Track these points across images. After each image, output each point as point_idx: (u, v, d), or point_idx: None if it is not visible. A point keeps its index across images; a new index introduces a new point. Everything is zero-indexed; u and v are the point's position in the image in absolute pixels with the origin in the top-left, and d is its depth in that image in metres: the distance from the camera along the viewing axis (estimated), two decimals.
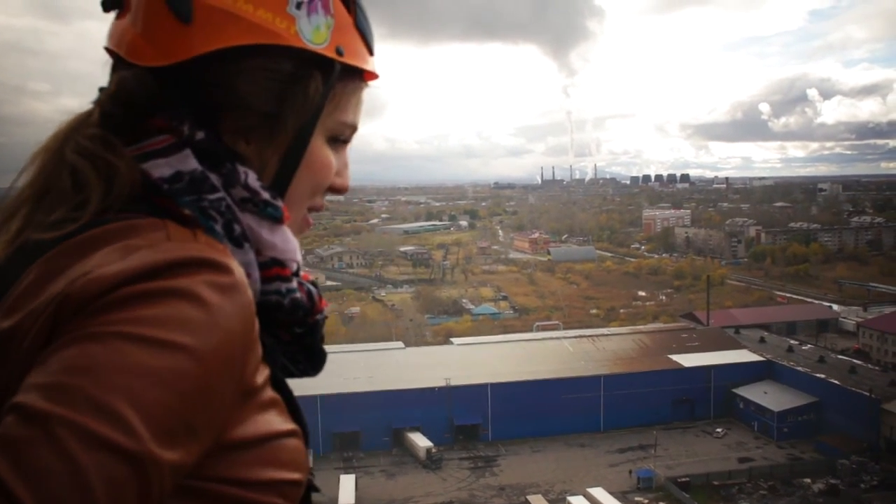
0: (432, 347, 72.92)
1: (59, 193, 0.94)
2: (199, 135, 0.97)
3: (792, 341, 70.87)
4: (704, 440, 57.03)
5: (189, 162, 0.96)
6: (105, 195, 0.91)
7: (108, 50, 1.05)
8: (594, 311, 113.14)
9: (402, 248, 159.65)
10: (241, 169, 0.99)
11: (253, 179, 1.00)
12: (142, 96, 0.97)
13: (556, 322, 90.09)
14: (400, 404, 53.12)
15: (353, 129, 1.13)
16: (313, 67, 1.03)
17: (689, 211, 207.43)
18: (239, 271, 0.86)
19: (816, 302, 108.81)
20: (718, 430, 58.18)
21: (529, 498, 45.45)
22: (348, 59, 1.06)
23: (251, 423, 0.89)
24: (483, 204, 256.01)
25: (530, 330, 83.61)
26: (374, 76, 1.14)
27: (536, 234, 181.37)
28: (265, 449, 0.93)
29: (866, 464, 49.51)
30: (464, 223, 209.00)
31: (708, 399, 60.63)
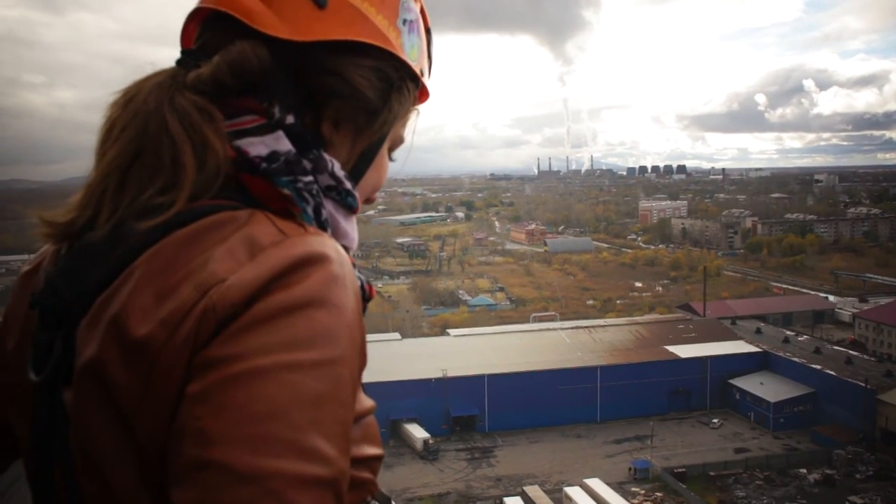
0: (429, 339, 72.80)
1: (154, 166, 0.93)
2: (289, 119, 0.98)
3: (788, 332, 70.83)
4: (701, 431, 57.06)
5: (284, 143, 0.97)
6: (196, 178, 0.91)
7: (200, 10, 1.04)
8: (591, 302, 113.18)
9: (399, 240, 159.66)
10: (327, 157, 1.02)
11: (338, 168, 1.03)
12: (256, 70, 0.96)
13: (553, 313, 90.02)
14: (396, 396, 52.96)
15: (401, 144, 1.20)
16: (408, 79, 1.10)
17: (685, 202, 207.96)
18: (346, 258, 0.90)
19: (812, 293, 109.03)
20: (715, 420, 58.24)
21: (526, 489, 45.40)
22: (424, 81, 1.15)
23: (357, 402, 0.92)
24: (479, 195, 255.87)
25: (527, 321, 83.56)
26: (424, 100, 1.20)
27: (533, 226, 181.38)
28: (362, 426, 1.00)
29: (862, 454, 49.61)
30: (460, 214, 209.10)
31: (704, 390, 60.66)
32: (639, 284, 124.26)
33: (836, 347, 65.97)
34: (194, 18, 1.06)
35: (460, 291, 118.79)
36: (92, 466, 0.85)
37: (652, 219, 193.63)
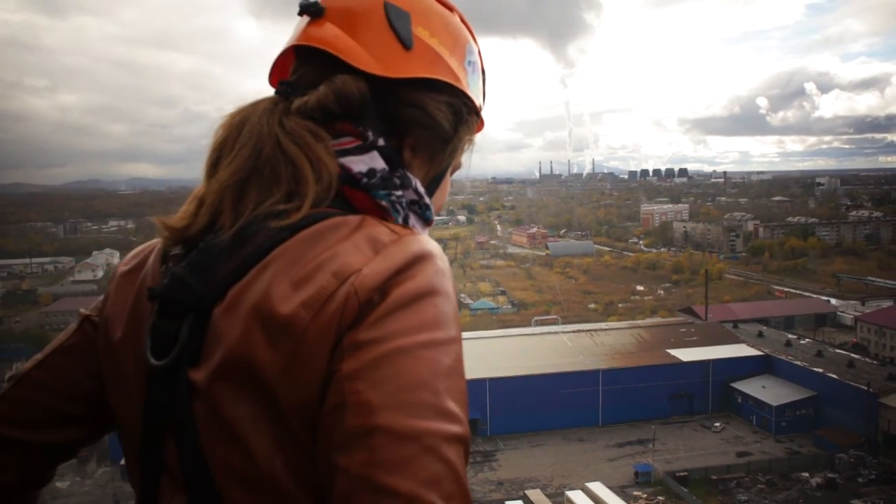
0: None
1: (272, 180, 1.07)
2: (380, 141, 1.13)
3: (790, 335, 70.88)
4: (703, 434, 56.99)
5: (379, 161, 1.12)
6: (316, 189, 1.06)
7: (298, 47, 1.19)
8: (592, 305, 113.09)
9: None
10: (410, 175, 1.17)
11: (419, 185, 1.18)
12: (357, 100, 1.12)
13: (555, 317, 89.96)
14: None
15: (459, 168, 1.35)
16: (472, 113, 1.27)
17: (687, 205, 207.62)
18: (444, 254, 1.05)
19: (814, 296, 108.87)
20: (717, 424, 58.16)
21: (528, 492, 45.28)
22: (482, 115, 1.32)
23: None
24: (481, 199, 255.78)
25: (528, 324, 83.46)
26: (479, 130, 1.35)
27: (534, 229, 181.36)
28: None
29: (864, 458, 49.53)
30: (462, 218, 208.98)
31: (706, 393, 60.56)
32: (640, 288, 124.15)
33: (838, 351, 65.92)
34: (288, 53, 1.22)
35: (462, 295, 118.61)
36: (229, 434, 0.97)
37: (654, 222, 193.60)
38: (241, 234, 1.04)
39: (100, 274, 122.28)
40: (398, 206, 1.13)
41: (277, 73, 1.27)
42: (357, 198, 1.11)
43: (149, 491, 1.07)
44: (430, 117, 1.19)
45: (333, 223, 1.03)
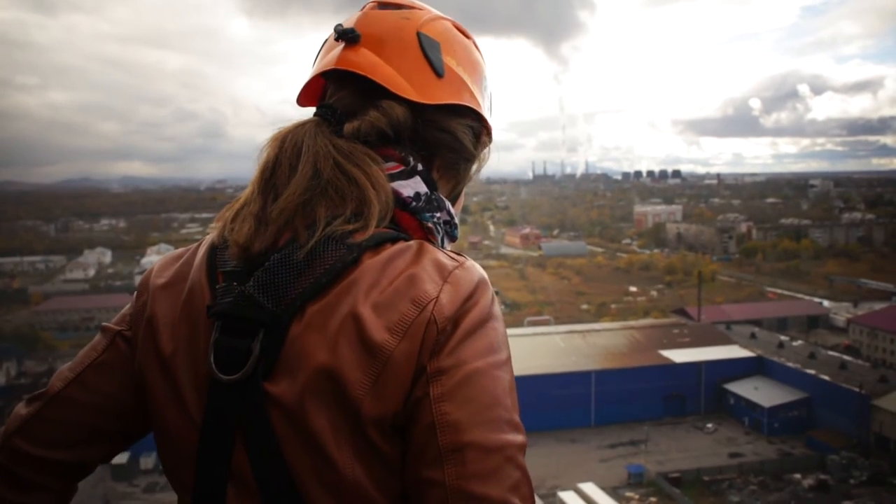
0: None
1: (336, 200, 1.13)
2: (419, 166, 1.23)
3: (782, 337, 70.84)
4: (695, 435, 56.91)
5: (422, 185, 1.22)
6: (379, 210, 1.13)
7: (334, 70, 1.22)
8: (585, 306, 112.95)
9: None
10: (442, 196, 1.27)
11: (449, 206, 1.29)
12: (405, 125, 1.20)
13: (547, 317, 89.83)
14: None
15: (470, 182, 1.45)
16: (487, 133, 1.37)
17: (680, 206, 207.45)
18: None
19: (807, 298, 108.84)
20: (709, 425, 58.05)
21: None
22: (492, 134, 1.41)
23: None
24: (474, 199, 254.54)
25: (521, 325, 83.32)
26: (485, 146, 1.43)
27: (527, 230, 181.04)
28: None
29: (856, 459, 49.44)
30: None
31: (698, 394, 60.48)
32: (633, 289, 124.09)
33: (830, 352, 65.95)
34: (321, 76, 1.27)
35: None
36: (311, 443, 1.03)
37: (647, 223, 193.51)
38: (311, 254, 1.08)
39: (91, 273, 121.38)
40: (438, 227, 1.23)
41: (305, 95, 1.32)
42: (405, 220, 1.19)
43: (211, 499, 1.09)
44: (458, 141, 1.27)
45: (401, 248, 1.10)
